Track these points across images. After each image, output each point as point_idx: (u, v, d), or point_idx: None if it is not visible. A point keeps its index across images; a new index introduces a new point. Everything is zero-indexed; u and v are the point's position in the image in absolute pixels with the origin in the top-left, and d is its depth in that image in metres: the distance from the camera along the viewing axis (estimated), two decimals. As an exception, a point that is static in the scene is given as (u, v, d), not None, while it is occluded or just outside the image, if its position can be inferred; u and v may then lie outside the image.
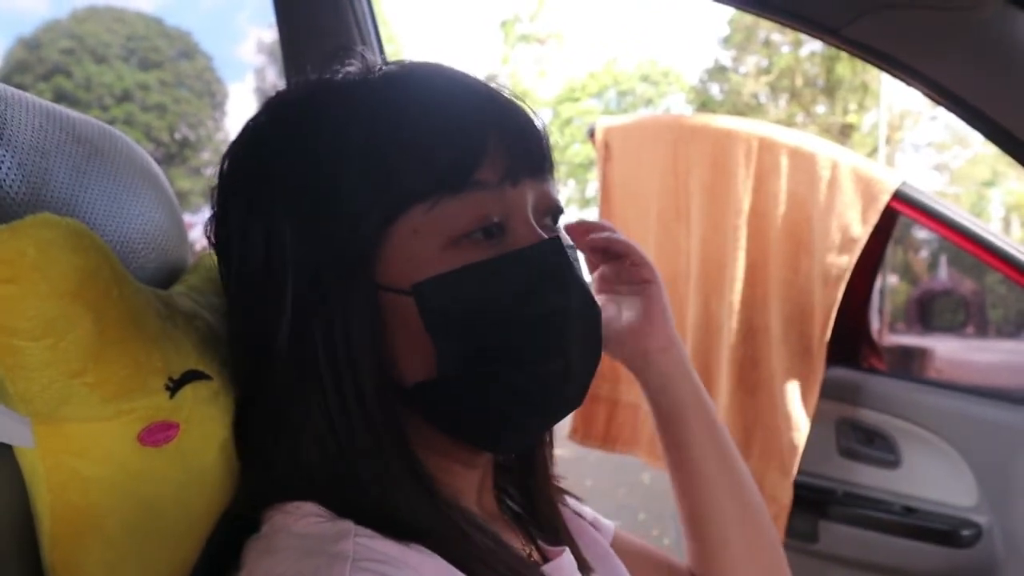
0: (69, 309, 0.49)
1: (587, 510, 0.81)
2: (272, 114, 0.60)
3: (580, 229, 0.82)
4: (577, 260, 0.62)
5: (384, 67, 0.60)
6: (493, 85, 0.61)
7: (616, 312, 0.82)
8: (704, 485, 0.79)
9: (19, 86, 0.59)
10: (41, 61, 21.42)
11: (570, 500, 0.78)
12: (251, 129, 0.60)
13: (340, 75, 0.60)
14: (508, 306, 0.55)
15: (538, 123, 0.61)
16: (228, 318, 0.63)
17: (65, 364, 0.49)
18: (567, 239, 0.63)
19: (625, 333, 0.80)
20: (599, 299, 0.79)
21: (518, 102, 0.61)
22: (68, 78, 21.17)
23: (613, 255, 0.82)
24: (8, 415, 0.50)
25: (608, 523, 0.82)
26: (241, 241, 0.57)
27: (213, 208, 0.60)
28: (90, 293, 0.51)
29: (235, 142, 0.60)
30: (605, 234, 0.81)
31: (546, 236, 0.58)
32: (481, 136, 0.55)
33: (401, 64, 0.60)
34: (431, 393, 0.56)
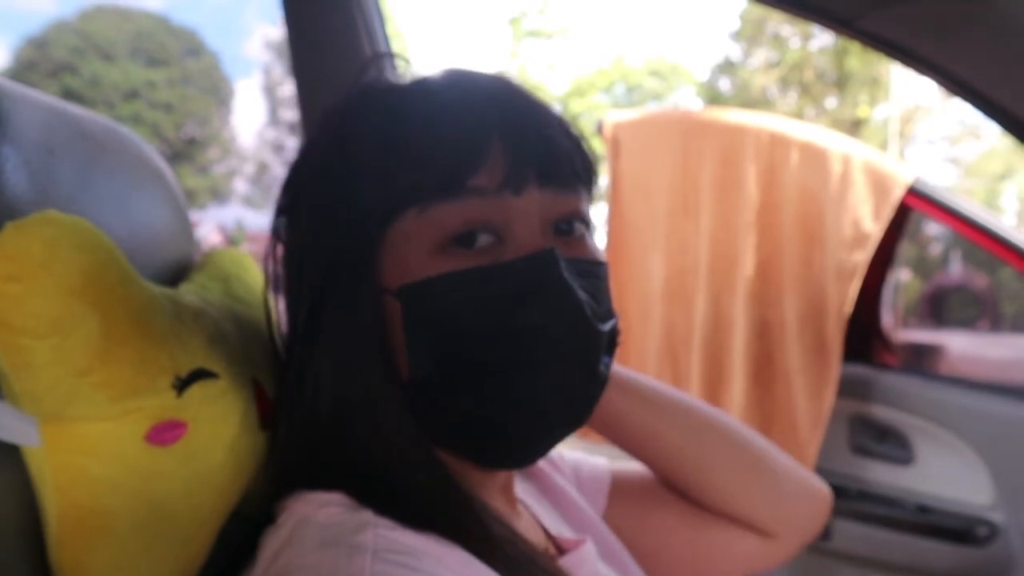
0: (75, 307, 0.49)
1: (578, 457, 0.80)
2: (318, 122, 0.63)
3: None
4: (586, 275, 0.58)
5: (415, 75, 0.61)
6: (518, 91, 0.60)
7: None
8: (660, 445, 0.76)
9: (27, 84, 0.59)
10: (49, 59, 21.53)
11: (554, 455, 0.78)
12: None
13: (369, 83, 0.61)
14: (484, 317, 0.54)
15: (560, 131, 0.59)
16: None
17: (71, 363, 0.49)
18: (594, 254, 0.60)
19: None
20: None
21: (543, 110, 0.59)
22: (75, 76, 21.28)
23: None
24: (14, 415, 0.49)
25: (601, 466, 0.81)
26: (283, 240, 0.61)
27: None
28: (96, 291, 0.50)
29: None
30: None
31: (547, 247, 0.55)
32: (480, 142, 0.54)
33: (434, 71, 0.61)
34: (411, 394, 0.56)
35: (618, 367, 0.74)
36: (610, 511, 0.78)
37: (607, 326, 0.58)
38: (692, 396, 0.79)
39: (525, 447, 0.59)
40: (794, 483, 0.79)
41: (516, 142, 0.56)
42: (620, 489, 0.79)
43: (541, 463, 0.77)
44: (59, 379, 0.49)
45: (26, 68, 21.04)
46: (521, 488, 0.71)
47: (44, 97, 0.60)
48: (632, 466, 0.81)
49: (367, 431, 0.56)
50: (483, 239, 0.55)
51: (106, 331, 0.50)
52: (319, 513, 0.51)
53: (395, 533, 0.49)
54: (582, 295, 0.55)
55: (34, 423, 0.50)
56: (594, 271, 0.59)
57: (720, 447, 0.76)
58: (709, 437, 0.76)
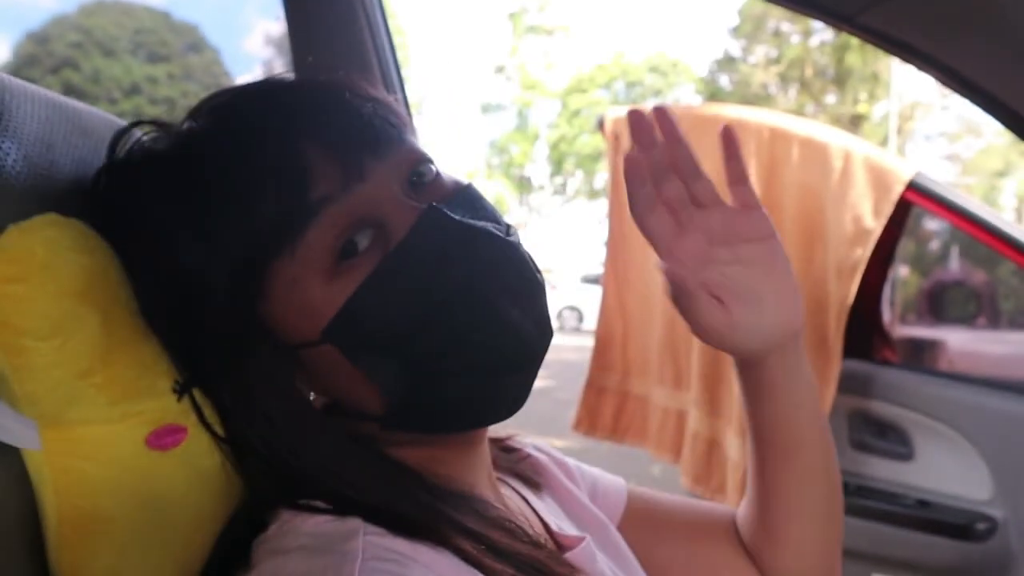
0: (77, 309, 0.49)
1: (595, 472, 0.79)
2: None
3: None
4: (466, 204, 0.56)
5: (185, 128, 0.57)
6: (302, 90, 0.57)
7: (723, 279, 0.62)
8: (800, 487, 0.70)
9: (28, 80, 0.59)
10: (50, 55, 21.50)
11: (571, 465, 0.77)
12: None
13: (144, 151, 0.57)
14: (418, 306, 0.52)
15: (362, 100, 0.56)
16: None
17: (73, 364, 0.49)
18: (457, 182, 0.58)
19: (737, 317, 0.61)
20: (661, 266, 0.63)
21: (334, 91, 0.57)
22: (76, 72, 21.25)
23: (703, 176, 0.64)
24: (15, 417, 0.49)
25: (619, 484, 0.79)
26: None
27: None
28: (98, 293, 0.50)
29: None
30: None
31: (423, 207, 0.54)
32: (296, 158, 0.52)
33: (197, 115, 0.57)
34: (398, 416, 0.55)
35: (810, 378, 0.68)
36: (621, 528, 0.75)
37: (515, 234, 0.57)
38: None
39: (521, 371, 0.56)
40: (838, 563, 0.75)
41: (328, 132, 0.53)
42: (636, 510, 0.77)
43: (548, 464, 0.76)
44: (60, 381, 0.49)
45: (27, 64, 21.00)
46: (521, 486, 0.70)
47: (45, 92, 0.60)
48: (653, 491, 0.79)
49: (319, 464, 0.54)
50: (364, 239, 0.53)
51: (107, 333, 0.50)
52: (308, 522, 0.51)
53: (385, 539, 0.49)
54: (478, 223, 0.54)
55: (34, 426, 0.50)
56: (469, 197, 0.58)
57: (834, 516, 0.74)
58: (836, 505, 0.73)
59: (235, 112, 0.57)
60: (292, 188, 0.51)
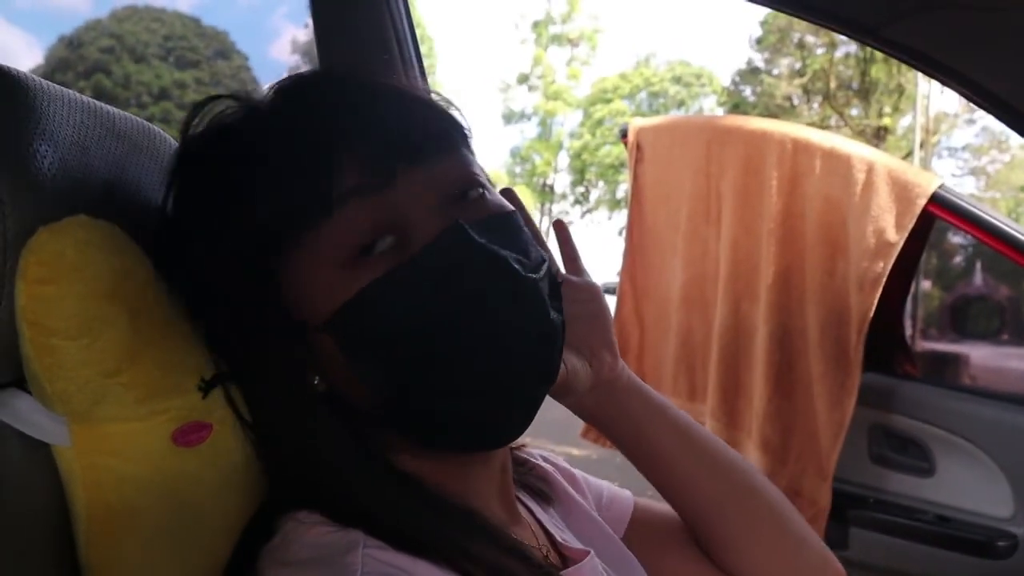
0: (106, 309, 0.50)
1: (603, 484, 0.79)
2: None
3: None
4: (498, 230, 0.55)
5: (244, 106, 0.58)
6: (360, 85, 0.58)
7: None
8: (692, 486, 0.72)
9: (60, 84, 0.60)
10: (82, 59, 21.78)
11: (579, 477, 0.77)
12: None
13: (210, 129, 0.58)
14: (421, 314, 0.51)
15: (415, 106, 0.57)
16: None
17: (101, 363, 0.50)
18: (499, 207, 0.58)
19: (570, 375, 0.66)
20: None
21: (390, 94, 0.57)
22: (107, 76, 21.50)
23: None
24: (45, 414, 0.51)
25: (626, 496, 0.79)
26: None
27: None
28: (126, 294, 0.51)
29: None
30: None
31: (449, 222, 0.53)
32: (327, 149, 0.52)
33: (262, 94, 0.58)
34: (386, 414, 0.55)
35: (675, 409, 0.73)
36: (627, 539, 0.75)
37: (541, 272, 0.55)
38: (733, 451, 0.76)
39: (506, 418, 0.55)
40: (816, 555, 0.75)
41: (364, 135, 0.53)
42: (641, 522, 0.77)
43: (555, 475, 0.76)
44: (89, 379, 0.50)
45: (60, 68, 21.29)
46: (527, 497, 0.70)
47: (79, 96, 0.61)
48: (660, 505, 0.79)
49: (319, 464, 0.55)
50: (385, 242, 0.53)
51: (135, 333, 0.51)
52: (310, 533, 0.51)
53: (385, 554, 0.49)
54: (503, 251, 0.52)
55: (64, 423, 0.51)
56: (507, 224, 0.57)
57: (758, 511, 0.73)
58: (751, 500, 0.73)
59: (289, 96, 0.58)
60: (321, 175, 0.52)
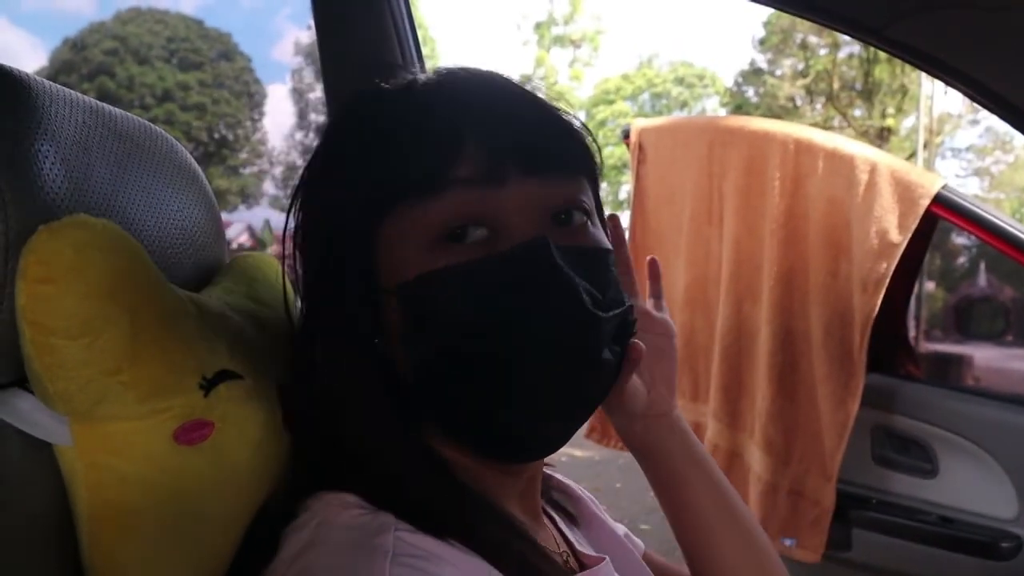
0: (106, 308, 0.50)
1: (620, 528, 0.79)
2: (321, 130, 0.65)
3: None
4: (585, 263, 0.57)
5: (407, 78, 0.61)
6: (504, 86, 0.60)
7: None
8: (711, 540, 0.73)
9: (64, 86, 0.60)
10: (86, 61, 21.83)
11: (605, 516, 0.78)
12: None
13: (360, 91, 0.62)
14: (480, 310, 0.53)
15: (549, 122, 0.59)
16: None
17: (102, 363, 0.50)
18: (597, 242, 0.59)
19: (629, 394, 0.70)
20: None
21: (529, 102, 0.59)
22: (111, 78, 21.55)
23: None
24: (47, 413, 0.51)
25: (638, 542, 0.80)
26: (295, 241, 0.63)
27: None
28: (126, 293, 0.52)
29: None
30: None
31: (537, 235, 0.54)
32: (453, 135, 0.55)
33: (424, 74, 0.61)
34: (419, 392, 0.56)
35: (715, 465, 0.75)
36: None
37: (610, 313, 0.56)
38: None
39: (530, 438, 0.57)
40: None
41: (491, 134, 0.55)
42: (648, 562, 0.77)
43: (580, 493, 0.77)
44: (90, 379, 0.50)
45: (64, 70, 21.34)
46: (550, 509, 0.71)
47: (81, 97, 0.61)
48: (671, 563, 0.81)
49: (361, 431, 0.57)
50: (475, 233, 0.55)
51: (135, 332, 0.52)
52: (342, 515, 0.52)
53: (415, 537, 0.50)
54: (578, 281, 0.54)
55: (66, 422, 0.51)
56: (595, 259, 0.58)
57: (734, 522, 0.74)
58: (763, 571, 0.74)
59: (441, 79, 0.60)
60: (441, 155, 0.54)
